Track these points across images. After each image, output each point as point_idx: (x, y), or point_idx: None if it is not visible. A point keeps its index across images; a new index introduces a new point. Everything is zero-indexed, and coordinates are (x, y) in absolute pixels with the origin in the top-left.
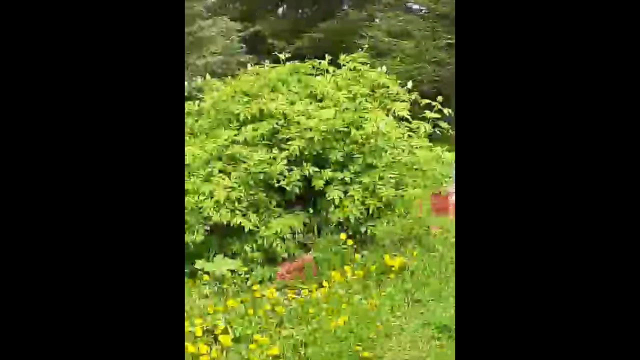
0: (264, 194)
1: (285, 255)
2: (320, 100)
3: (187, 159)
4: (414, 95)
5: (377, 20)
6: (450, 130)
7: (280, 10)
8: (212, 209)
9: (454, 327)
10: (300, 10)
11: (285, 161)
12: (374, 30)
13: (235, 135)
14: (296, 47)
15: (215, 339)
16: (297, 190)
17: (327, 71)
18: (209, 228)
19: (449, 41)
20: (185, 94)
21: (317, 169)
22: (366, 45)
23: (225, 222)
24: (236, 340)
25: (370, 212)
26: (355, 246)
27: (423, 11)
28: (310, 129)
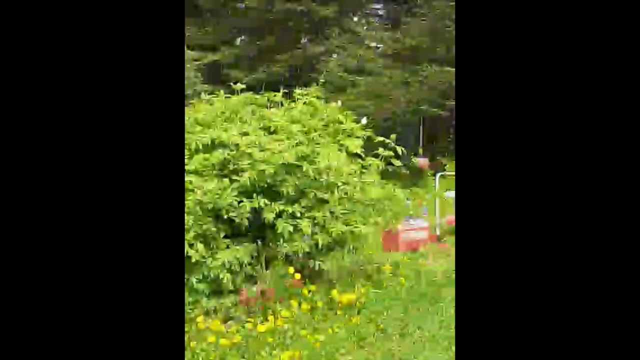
0: (213, 225)
1: (232, 287)
2: (274, 133)
3: None
4: (368, 132)
5: (335, 55)
6: (402, 168)
7: (238, 40)
8: None
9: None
10: (259, 42)
11: (235, 192)
12: (332, 64)
13: (186, 164)
14: (253, 77)
15: None
16: (246, 222)
17: (282, 104)
18: None
19: (405, 79)
20: None
21: (267, 202)
22: (322, 80)
23: None
24: None
25: (320, 247)
26: (303, 281)
27: (380, 49)
28: (263, 161)
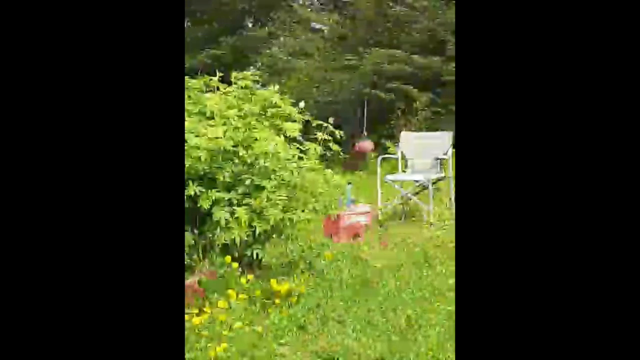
0: None
1: None
2: (210, 118)
3: None
4: (306, 116)
5: (281, 38)
6: (341, 153)
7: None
8: None
9: (342, 358)
10: (203, 25)
11: None
12: (274, 48)
13: None
14: (198, 61)
15: None
16: None
17: (218, 88)
18: None
19: (348, 63)
20: None
21: (203, 189)
22: (259, 63)
23: None
24: None
25: (258, 234)
26: (241, 269)
27: (325, 31)
28: (198, 148)
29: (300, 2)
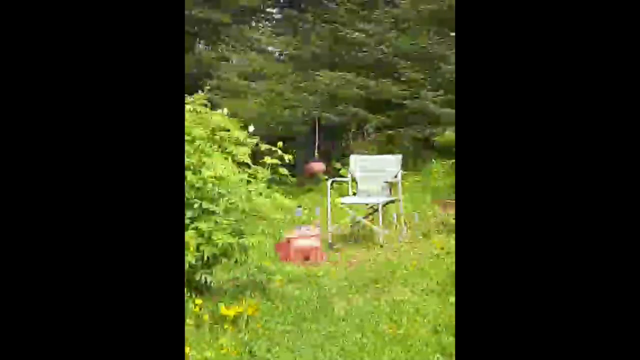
0: None
1: None
2: None
3: None
4: (255, 140)
5: (233, 61)
6: (289, 177)
7: None
8: None
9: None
10: None
11: None
12: (227, 70)
13: None
14: None
15: None
16: None
17: None
18: None
19: (300, 85)
20: None
21: None
22: (208, 87)
23: None
24: None
25: (206, 259)
26: (189, 294)
27: (277, 54)
28: None
29: (253, 25)
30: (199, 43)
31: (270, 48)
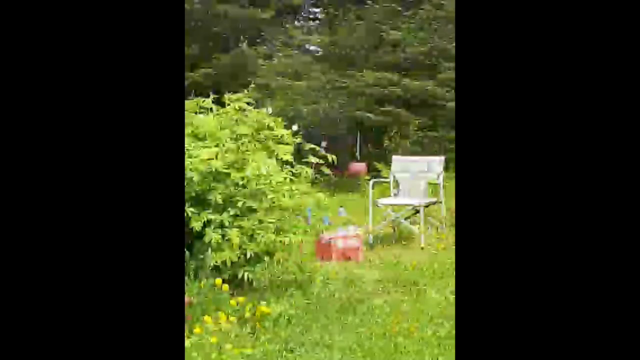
0: None
1: None
2: (203, 139)
3: None
4: (299, 139)
5: (274, 59)
6: (334, 177)
7: None
8: None
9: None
10: (194, 45)
11: None
12: (267, 69)
13: None
14: (190, 82)
15: None
16: None
17: (212, 110)
18: None
19: (342, 84)
20: None
21: (195, 211)
22: (252, 85)
23: None
24: None
25: (249, 257)
26: (231, 291)
27: (319, 53)
28: (190, 169)
29: (295, 24)
30: (242, 43)
31: (311, 47)
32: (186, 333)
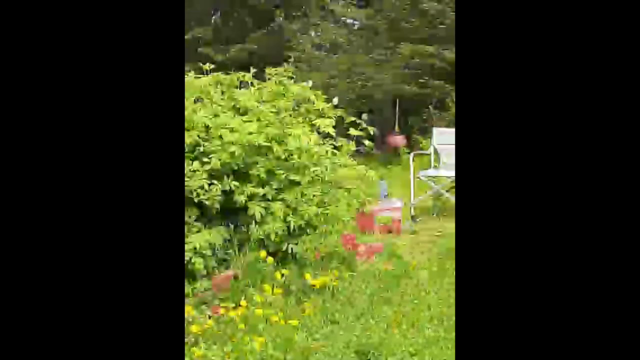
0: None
1: (204, 271)
2: (244, 114)
3: None
4: (340, 112)
5: (311, 33)
6: (373, 149)
7: (213, 18)
8: None
9: (375, 351)
10: (233, 21)
11: (205, 175)
12: (306, 43)
13: None
14: (228, 57)
15: None
16: (217, 205)
17: (252, 84)
18: None
19: (380, 57)
20: None
21: (238, 184)
22: (292, 59)
23: None
24: None
25: (292, 229)
26: (276, 264)
27: (356, 26)
28: (233, 143)
29: None
30: (280, 17)
31: (349, 20)
32: (233, 305)
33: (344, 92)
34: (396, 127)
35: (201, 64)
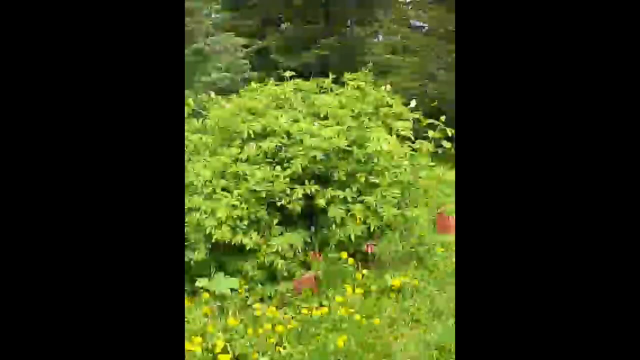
0: (266, 212)
1: (286, 273)
2: (324, 118)
3: (191, 177)
4: (417, 114)
5: (380, 37)
6: (452, 149)
7: (284, 25)
8: (213, 227)
9: (454, 348)
10: (304, 27)
11: (287, 179)
12: (378, 47)
13: (239, 153)
14: (301, 63)
15: (215, 358)
16: (299, 208)
17: (331, 89)
18: (210, 246)
19: (450, 59)
20: (190, 111)
21: (318, 188)
22: (370, 64)
23: (226, 240)
24: (235, 359)
25: (372, 230)
26: (356, 265)
27: (425, 29)
28: (314, 148)
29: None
30: (352, 23)
31: (418, 23)
32: (315, 304)
33: (417, 93)
34: None
35: (281, 71)
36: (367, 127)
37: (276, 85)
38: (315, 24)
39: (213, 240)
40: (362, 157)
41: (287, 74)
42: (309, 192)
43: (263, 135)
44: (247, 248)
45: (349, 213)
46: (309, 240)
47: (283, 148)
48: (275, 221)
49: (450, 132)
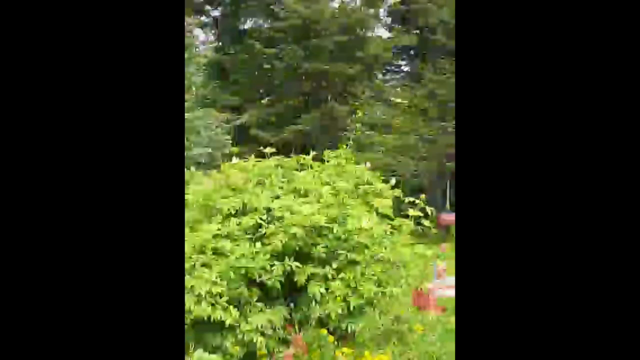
0: (246, 288)
1: (265, 351)
2: (304, 195)
3: None
4: (397, 192)
5: (359, 113)
6: (432, 228)
7: (264, 100)
8: (193, 303)
9: None
10: (284, 102)
11: (267, 256)
12: (357, 122)
13: (219, 229)
14: (280, 138)
15: None
16: (278, 285)
17: (311, 166)
18: (188, 322)
19: (429, 136)
20: None
21: (299, 264)
22: (351, 142)
23: (205, 317)
24: None
25: (351, 308)
26: (335, 342)
27: (404, 106)
28: (294, 225)
29: (380, 77)
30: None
31: (398, 100)
32: None
33: (396, 169)
34: (447, 205)
35: (262, 148)
36: (347, 205)
37: (257, 161)
38: (295, 101)
39: (192, 317)
40: (342, 234)
41: (267, 150)
42: (288, 268)
43: (243, 211)
44: (227, 324)
45: (329, 290)
46: (288, 316)
47: (263, 225)
48: (255, 297)
49: (430, 211)
